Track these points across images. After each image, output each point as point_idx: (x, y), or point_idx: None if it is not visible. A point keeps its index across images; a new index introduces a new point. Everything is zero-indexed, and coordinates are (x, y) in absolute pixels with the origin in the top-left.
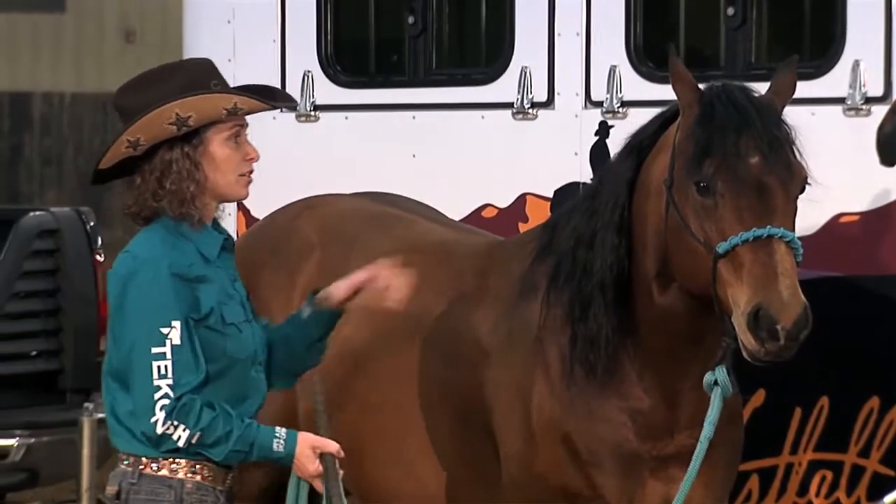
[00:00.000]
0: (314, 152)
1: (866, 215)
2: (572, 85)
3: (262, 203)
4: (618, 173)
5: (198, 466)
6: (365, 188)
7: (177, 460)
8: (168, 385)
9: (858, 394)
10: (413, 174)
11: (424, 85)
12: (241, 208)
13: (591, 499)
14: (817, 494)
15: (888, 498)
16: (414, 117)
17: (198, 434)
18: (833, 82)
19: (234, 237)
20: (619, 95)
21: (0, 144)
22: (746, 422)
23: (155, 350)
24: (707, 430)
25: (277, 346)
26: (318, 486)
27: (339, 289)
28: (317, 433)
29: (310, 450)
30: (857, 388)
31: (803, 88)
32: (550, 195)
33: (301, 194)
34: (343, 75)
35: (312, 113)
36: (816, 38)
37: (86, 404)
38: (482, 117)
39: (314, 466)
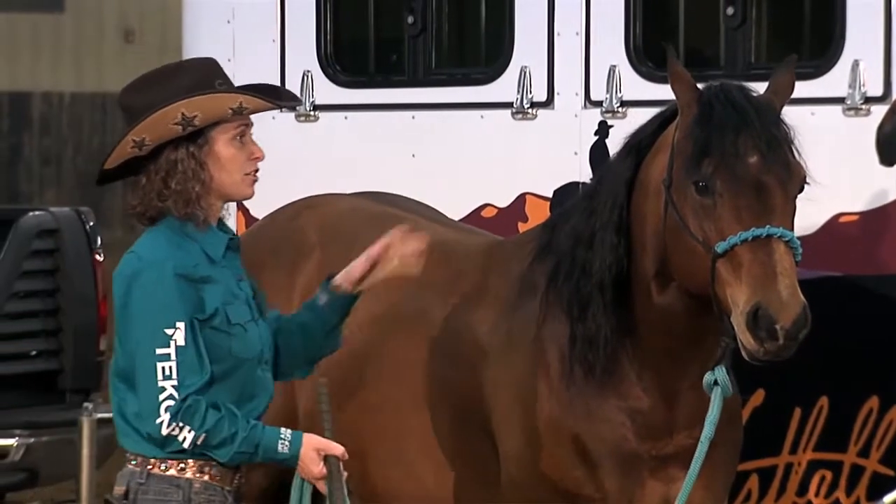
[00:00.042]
0: (314, 152)
1: (866, 215)
2: (572, 85)
3: (262, 203)
4: (617, 173)
5: (206, 467)
6: (365, 188)
7: (185, 460)
8: (173, 386)
9: (858, 394)
10: (413, 174)
11: (424, 85)
12: (241, 208)
13: (590, 498)
14: (817, 494)
15: (888, 498)
16: (413, 117)
17: (203, 435)
18: (833, 82)
19: None
20: (619, 95)
21: None
22: (746, 422)
23: (159, 351)
24: (708, 430)
25: (294, 334)
26: (322, 487)
27: (356, 267)
28: (321, 434)
29: (314, 452)
30: (857, 388)
31: (803, 88)
32: (550, 195)
33: (301, 194)
34: (343, 75)
35: (312, 113)
36: (816, 38)
37: (85, 404)
38: (482, 117)
39: (318, 468)
